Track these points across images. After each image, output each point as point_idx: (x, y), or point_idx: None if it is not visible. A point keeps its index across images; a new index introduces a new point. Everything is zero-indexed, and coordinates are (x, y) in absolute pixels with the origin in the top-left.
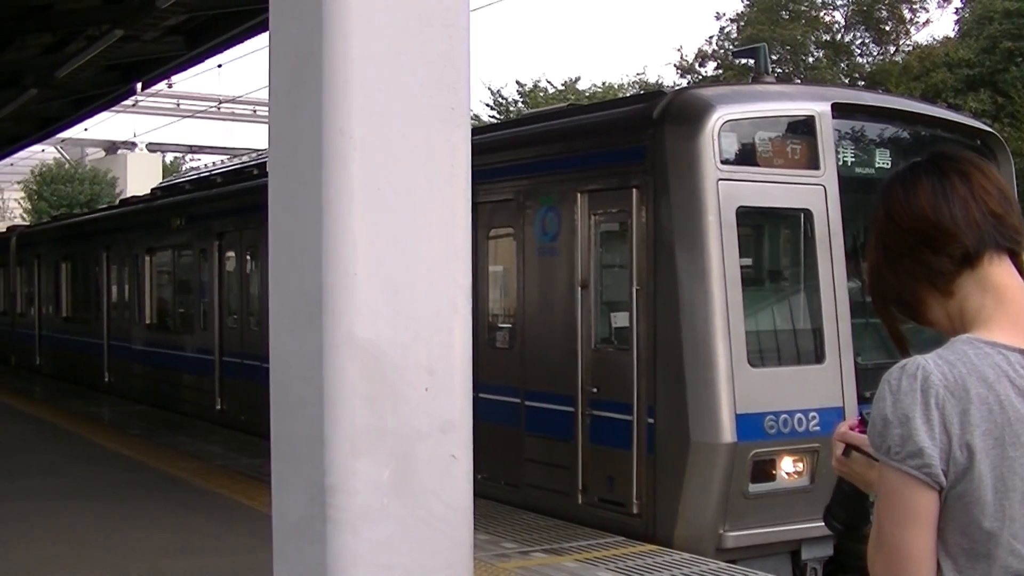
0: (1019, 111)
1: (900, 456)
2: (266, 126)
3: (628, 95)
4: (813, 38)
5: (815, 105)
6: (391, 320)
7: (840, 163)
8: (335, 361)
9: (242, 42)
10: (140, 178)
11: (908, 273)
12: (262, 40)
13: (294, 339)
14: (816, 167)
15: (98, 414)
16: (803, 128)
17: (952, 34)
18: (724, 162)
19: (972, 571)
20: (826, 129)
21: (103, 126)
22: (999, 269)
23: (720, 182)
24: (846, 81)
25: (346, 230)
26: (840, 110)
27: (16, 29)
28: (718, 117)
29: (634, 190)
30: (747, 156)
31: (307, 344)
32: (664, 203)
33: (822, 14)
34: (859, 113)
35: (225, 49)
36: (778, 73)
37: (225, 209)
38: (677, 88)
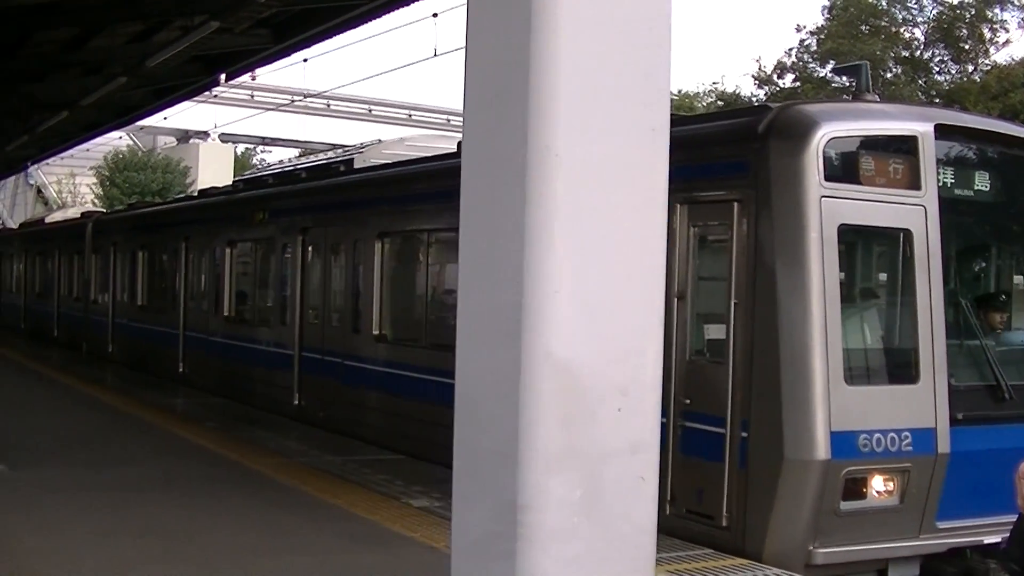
0: None
1: None
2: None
3: (732, 108)
4: (892, 54)
5: (918, 125)
6: (589, 340)
7: (941, 184)
8: (532, 379)
9: (330, 37)
10: (212, 168)
11: None
12: (347, 36)
13: (488, 355)
14: (917, 187)
15: (173, 405)
16: (905, 148)
17: None
18: (828, 179)
19: None
20: (928, 150)
21: (178, 115)
22: None
23: (823, 199)
24: (923, 98)
25: (549, 248)
26: (942, 131)
27: (108, 18)
28: (823, 134)
29: (736, 203)
30: (850, 174)
31: (503, 361)
32: (766, 217)
33: (902, 30)
34: (961, 135)
35: (312, 44)
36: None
37: (310, 204)
38: (783, 103)
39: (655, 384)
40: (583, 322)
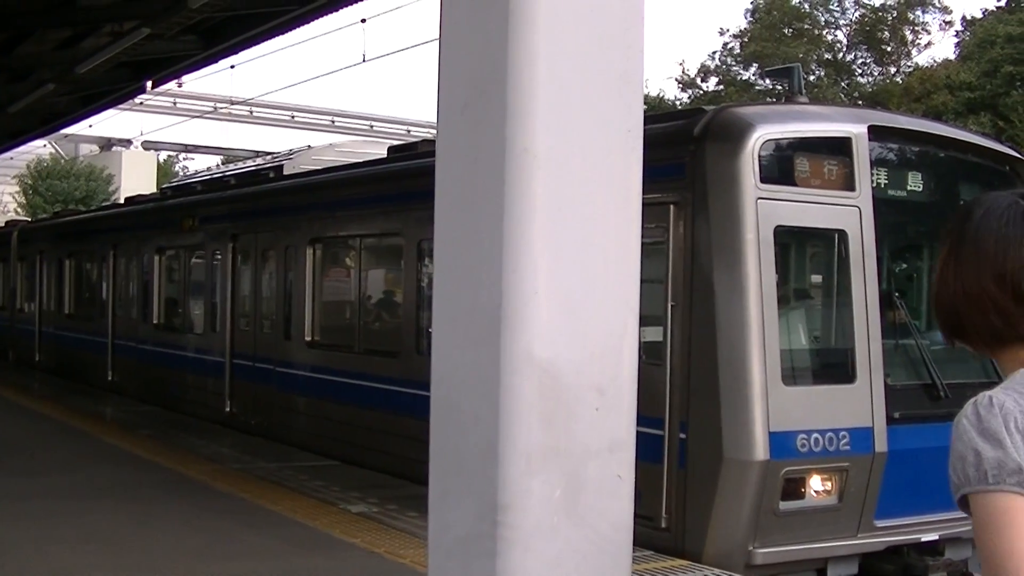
0: (1019, 135)
1: (999, 477)
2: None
3: (667, 111)
4: (815, 56)
5: (852, 127)
6: (567, 339)
7: (875, 185)
8: (513, 379)
9: (258, 43)
10: (135, 175)
11: (992, 312)
12: (275, 42)
13: (467, 355)
14: (852, 188)
15: (104, 413)
16: (840, 149)
17: (953, 57)
18: (763, 181)
19: None
20: (862, 151)
21: (100, 123)
22: None
23: (759, 200)
24: (846, 100)
25: (529, 248)
26: (876, 132)
27: (38, 23)
28: (758, 136)
29: (672, 206)
30: (785, 175)
31: (481, 361)
32: (702, 219)
33: (824, 33)
34: (894, 136)
35: (240, 50)
36: (778, 91)
37: (240, 211)
38: (718, 106)
39: (631, 383)
40: (562, 322)
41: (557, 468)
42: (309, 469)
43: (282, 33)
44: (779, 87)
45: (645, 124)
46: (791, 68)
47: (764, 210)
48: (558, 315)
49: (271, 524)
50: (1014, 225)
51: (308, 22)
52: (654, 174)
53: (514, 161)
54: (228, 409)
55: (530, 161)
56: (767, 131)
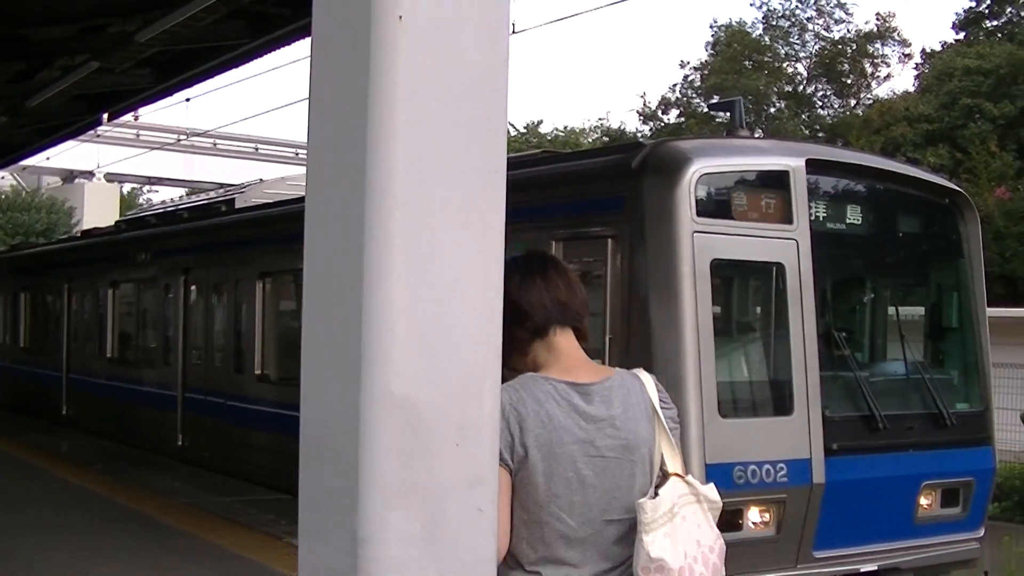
0: (977, 167)
1: (501, 455)
2: (226, 160)
3: (606, 145)
4: (776, 89)
5: (790, 160)
6: (426, 376)
7: (813, 218)
8: (373, 416)
9: (212, 76)
10: (97, 208)
11: (507, 339)
12: (230, 76)
13: (329, 392)
14: (789, 221)
15: (58, 447)
16: (777, 183)
17: (912, 89)
18: (700, 214)
19: (531, 534)
20: (800, 184)
21: (62, 155)
22: (561, 338)
23: (695, 234)
24: (807, 132)
25: (387, 289)
26: (814, 166)
27: None
28: (695, 170)
29: (610, 240)
30: (722, 209)
31: (343, 398)
32: (640, 252)
33: (785, 65)
34: (833, 169)
35: (194, 83)
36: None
37: (192, 245)
38: (656, 140)
39: (493, 419)
40: (421, 361)
41: (417, 503)
42: (259, 503)
43: (236, 66)
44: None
45: (585, 158)
46: (733, 101)
47: (700, 243)
48: (416, 353)
49: (214, 558)
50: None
51: (262, 55)
52: (593, 208)
53: (373, 203)
54: (180, 443)
55: (389, 203)
56: (704, 165)
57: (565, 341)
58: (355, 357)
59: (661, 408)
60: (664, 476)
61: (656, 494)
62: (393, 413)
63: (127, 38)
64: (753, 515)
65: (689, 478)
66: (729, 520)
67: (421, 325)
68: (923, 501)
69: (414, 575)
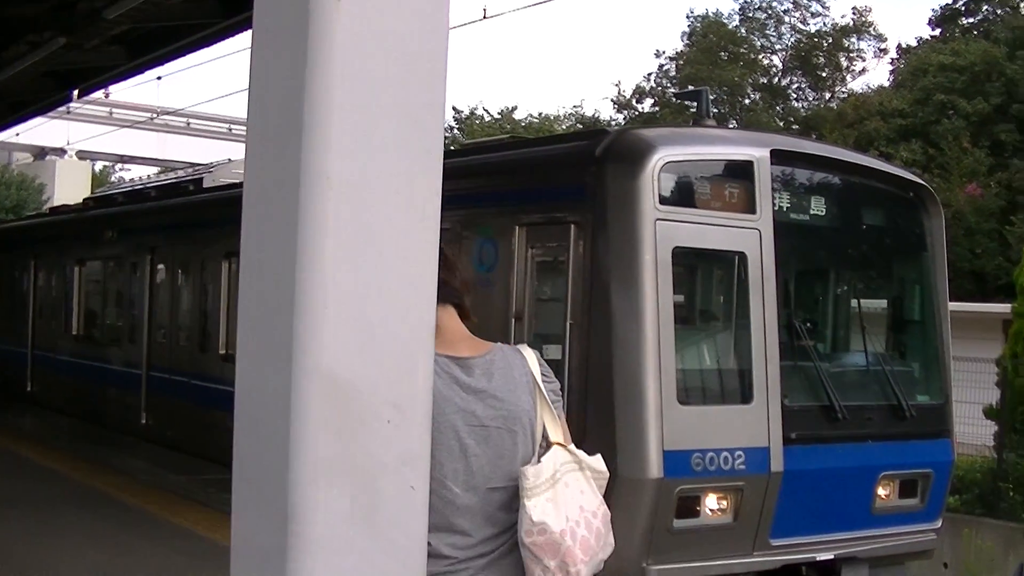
0: (949, 163)
1: None
2: (199, 139)
3: (571, 131)
4: (751, 80)
5: (754, 150)
6: (359, 355)
7: (776, 208)
8: (304, 393)
9: (183, 55)
10: (68, 186)
11: None
12: (202, 54)
13: (262, 369)
14: (752, 211)
15: (20, 425)
16: (741, 172)
17: (887, 84)
18: (662, 202)
19: (433, 498)
20: (764, 174)
21: (32, 131)
22: (442, 314)
23: (658, 222)
24: (781, 125)
25: (320, 266)
26: (779, 156)
27: None
28: (659, 158)
29: (572, 226)
30: (685, 197)
31: (275, 375)
32: (602, 240)
33: (760, 57)
34: (797, 160)
35: (165, 62)
36: (715, 114)
37: (159, 224)
38: (620, 127)
39: (426, 397)
40: (354, 339)
41: (348, 480)
42: (219, 482)
43: (207, 45)
44: (715, 109)
45: (549, 144)
46: (699, 91)
47: (663, 231)
48: (350, 332)
49: (172, 536)
50: None
51: (234, 35)
52: (557, 194)
53: (308, 183)
54: (144, 421)
55: (323, 184)
56: (668, 153)
57: (446, 318)
58: (287, 335)
59: (543, 382)
60: (547, 445)
61: (539, 462)
62: (325, 390)
63: (95, 15)
64: (711, 502)
65: (571, 447)
66: (687, 506)
67: (354, 304)
68: (881, 492)
69: (344, 553)
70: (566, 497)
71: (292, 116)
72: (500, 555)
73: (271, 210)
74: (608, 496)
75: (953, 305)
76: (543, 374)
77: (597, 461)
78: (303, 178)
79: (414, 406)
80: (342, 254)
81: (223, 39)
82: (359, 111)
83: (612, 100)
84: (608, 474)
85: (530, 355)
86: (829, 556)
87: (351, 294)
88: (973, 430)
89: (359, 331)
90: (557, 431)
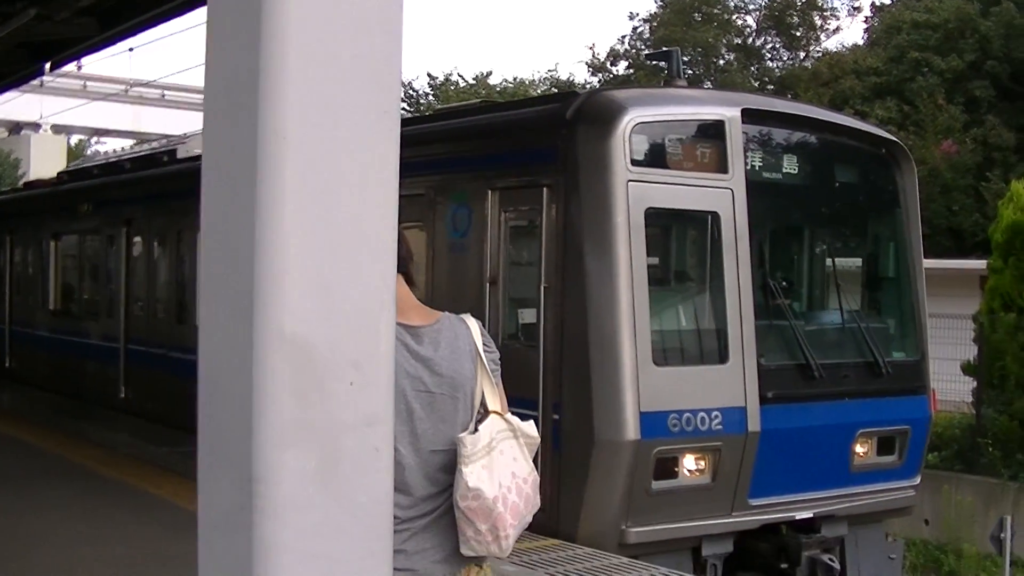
0: (924, 120)
1: None
2: (175, 111)
3: (542, 95)
4: (725, 41)
5: (725, 110)
6: (320, 316)
7: (748, 168)
8: (265, 355)
9: (155, 26)
10: (44, 160)
11: None
12: (173, 24)
13: (225, 332)
14: (725, 171)
15: (0, 401)
16: (713, 132)
17: (861, 42)
18: (634, 163)
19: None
20: (735, 134)
21: (6, 105)
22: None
23: (630, 183)
24: (756, 85)
25: (278, 229)
26: (750, 116)
27: None
28: (630, 119)
29: (545, 189)
30: (657, 158)
31: (237, 338)
32: (574, 202)
33: (734, 18)
34: (769, 119)
35: (137, 32)
36: (689, 75)
37: (134, 196)
38: (591, 89)
39: (388, 358)
40: (314, 300)
41: (312, 442)
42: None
43: (179, 15)
44: (689, 71)
45: (521, 108)
46: (670, 52)
47: (635, 192)
48: (310, 293)
49: (153, 508)
50: None
51: (205, 4)
52: (529, 157)
53: (266, 145)
54: (123, 395)
55: (280, 144)
56: (639, 114)
57: (397, 286)
58: (248, 297)
59: (484, 351)
60: (485, 413)
61: (476, 429)
62: (286, 352)
63: None
64: (688, 463)
65: (508, 415)
66: (664, 468)
67: (315, 265)
68: (859, 449)
69: (309, 513)
70: (500, 464)
71: (248, 76)
72: (439, 515)
73: (230, 172)
74: (586, 458)
75: (930, 262)
76: (484, 344)
77: (530, 427)
78: (260, 139)
79: (376, 368)
80: (301, 216)
81: (195, 8)
82: (315, 71)
83: (586, 63)
84: (538, 439)
85: (473, 325)
86: (808, 515)
87: (311, 256)
88: (952, 386)
89: (320, 293)
90: (495, 399)
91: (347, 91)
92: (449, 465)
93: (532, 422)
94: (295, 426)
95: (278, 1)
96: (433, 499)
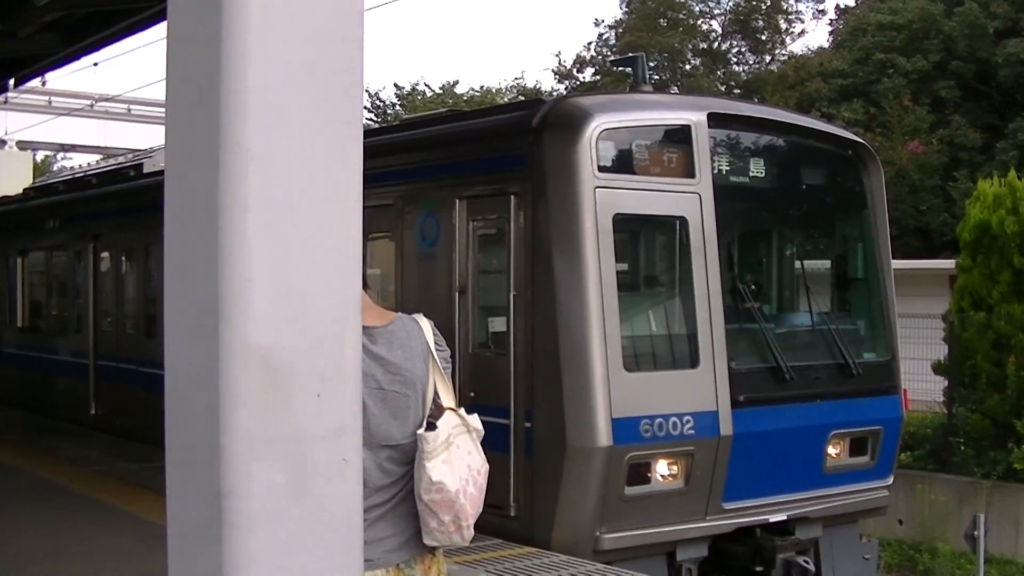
0: (890, 121)
1: None
2: (141, 125)
3: (509, 102)
4: (691, 46)
5: (691, 114)
6: (286, 327)
7: (715, 172)
8: (231, 368)
9: (119, 40)
10: (10, 177)
11: None
12: (138, 38)
13: (191, 346)
14: (692, 175)
15: None
16: (679, 137)
17: (827, 45)
18: (601, 170)
19: None
20: (702, 138)
21: None
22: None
23: (597, 189)
24: (723, 89)
25: (242, 240)
26: (716, 120)
27: None
28: (596, 125)
29: (513, 196)
30: (624, 164)
31: (204, 351)
32: (542, 210)
33: (700, 22)
34: (735, 123)
35: (101, 47)
36: (656, 80)
37: (101, 211)
38: (557, 96)
39: (355, 369)
40: (279, 311)
41: (281, 454)
42: None
43: (143, 29)
44: (655, 76)
45: (487, 116)
46: (635, 57)
47: (603, 199)
48: (275, 304)
49: (124, 524)
50: None
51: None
52: (496, 165)
53: (228, 156)
54: (93, 411)
55: (243, 155)
56: (605, 120)
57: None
58: (213, 309)
59: (436, 350)
60: (439, 409)
61: (434, 426)
62: (253, 364)
63: (25, 2)
64: (661, 468)
65: (460, 411)
66: (637, 473)
67: (280, 276)
68: (831, 451)
69: (279, 526)
70: (457, 458)
71: (210, 88)
72: (393, 506)
73: (193, 185)
74: (559, 466)
75: (900, 262)
76: (436, 343)
77: (476, 420)
78: (222, 151)
79: (343, 378)
80: (264, 227)
81: (158, 23)
82: (276, 82)
83: (553, 71)
84: (483, 431)
85: (425, 325)
86: (782, 517)
87: (276, 267)
88: (923, 386)
89: (285, 304)
90: (448, 396)
91: (309, 101)
92: (401, 458)
93: (476, 415)
94: (263, 439)
95: (238, 13)
96: (386, 490)
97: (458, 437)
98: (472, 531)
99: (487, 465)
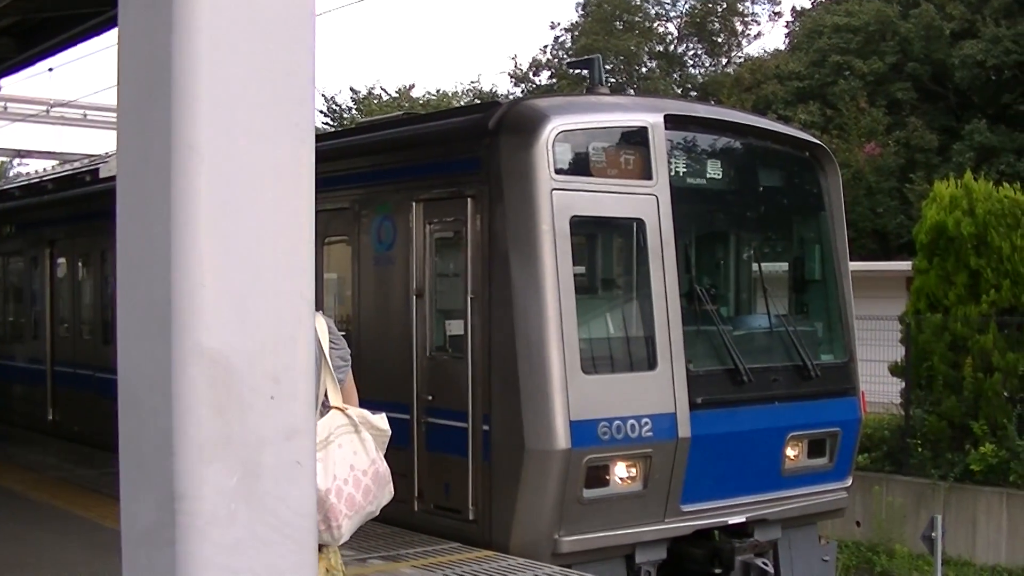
0: (847, 123)
1: None
2: (97, 131)
3: (464, 105)
4: (647, 49)
5: (648, 116)
6: (238, 330)
7: (672, 173)
8: (183, 370)
9: (74, 45)
10: None
11: None
12: (94, 44)
13: (142, 349)
14: (649, 177)
15: None
16: (636, 139)
17: (783, 47)
18: (558, 172)
19: None
20: (659, 140)
21: None
22: None
23: (554, 192)
24: (679, 91)
25: (193, 242)
26: (673, 122)
27: None
28: (552, 128)
29: (469, 199)
30: (581, 166)
31: (155, 354)
32: (499, 212)
33: (656, 25)
34: (692, 125)
35: (57, 52)
36: (612, 83)
37: (57, 216)
38: (513, 99)
39: (308, 371)
40: (231, 314)
41: (232, 457)
42: None
43: (99, 34)
44: (612, 79)
45: (443, 119)
46: (591, 59)
47: (559, 201)
48: (227, 307)
49: (80, 531)
50: None
51: None
52: (452, 168)
53: (179, 159)
54: (51, 417)
55: (194, 158)
56: (561, 122)
57: None
58: (165, 313)
59: (330, 349)
60: (326, 408)
61: None
62: (205, 367)
63: None
64: (620, 470)
65: (350, 411)
66: (596, 476)
67: (231, 279)
68: (790, 452)
69: (231, 528)
70: (337, 457)
71: (160, 90)
72: None
73: (144, 188)
74: (517, 469)
75: (857, 264)
76: (332, 342)
77: (379, 419)
78: (173, 153)
79: (295, 381)
80: (216, 229)
81: (112, 28)
82: (227, 84)
83: (509, 74)
84: (389, 432)
85: (321, 324)
86: (741, 519)
87: (227, 269)
88: (880, 388)
89: (237, 307)
90: (337, 396)
91: (260, 104)
92: None
93: (383, 415)
94: (215, 441)
95: (188, 14)
96: None
97: (341, 437)
98: (346, 531)
99: (382, 465)
